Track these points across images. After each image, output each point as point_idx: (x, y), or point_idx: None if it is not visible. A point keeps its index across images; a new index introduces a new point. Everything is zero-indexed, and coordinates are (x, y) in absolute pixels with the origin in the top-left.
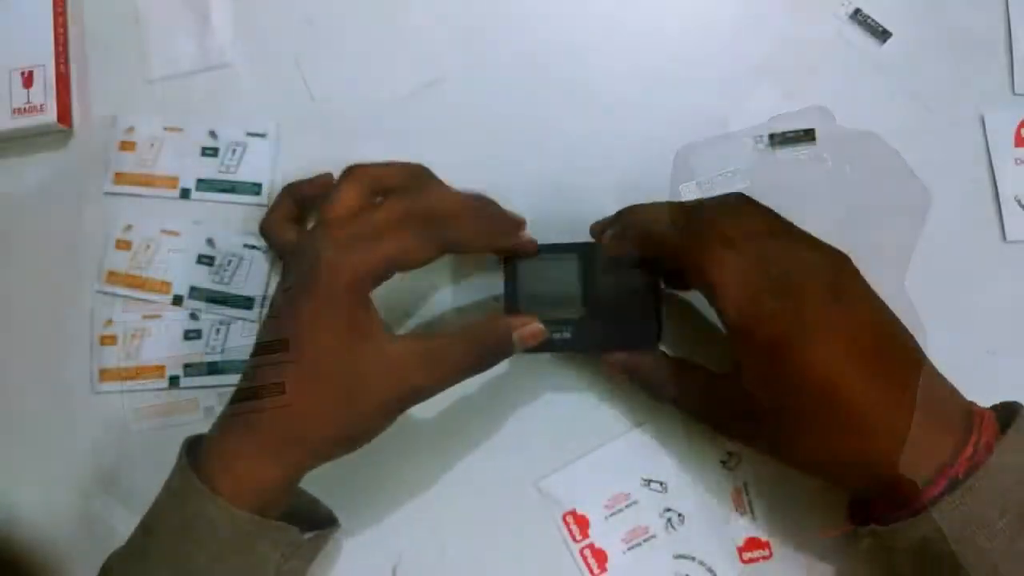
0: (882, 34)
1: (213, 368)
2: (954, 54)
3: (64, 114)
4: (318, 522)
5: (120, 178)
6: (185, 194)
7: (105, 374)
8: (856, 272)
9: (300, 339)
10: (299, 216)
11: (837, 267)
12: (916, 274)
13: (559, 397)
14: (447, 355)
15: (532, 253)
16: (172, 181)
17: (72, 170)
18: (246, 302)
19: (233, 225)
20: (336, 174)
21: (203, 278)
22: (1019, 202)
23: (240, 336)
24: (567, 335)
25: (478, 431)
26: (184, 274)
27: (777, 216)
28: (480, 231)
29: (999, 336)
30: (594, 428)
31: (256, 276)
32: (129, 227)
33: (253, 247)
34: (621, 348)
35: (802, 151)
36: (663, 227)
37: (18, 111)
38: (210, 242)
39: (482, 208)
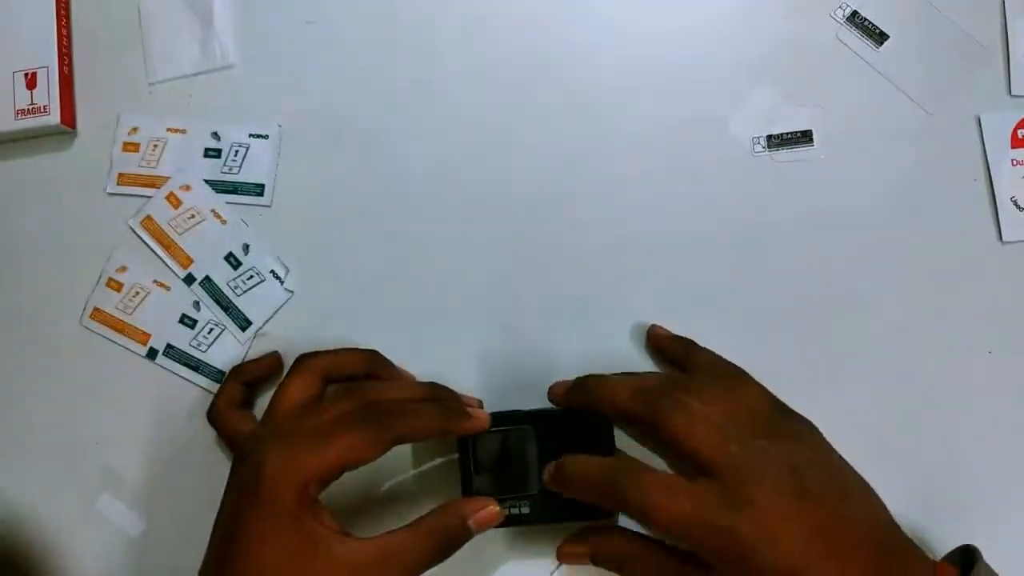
0: (879, 36)
1: (190, 362)
2: (951, 56)
3: (67, 115)
4: None
5: (123, 179)
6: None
7: (96, 314)
8: (821, 446)
9: (247, 555)
10: (248, 398)
11: (802, 452)
12: (914, 274)
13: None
14: (402, 553)
15: (484, 430)
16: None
17: (75, 171)
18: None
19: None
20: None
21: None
22: (1016, 203)
23: (228, 346)
24: (525, 510)
25: None
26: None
27: (744, 395)
28: (431, 421)
29: (997, 336)
30: None
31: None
32: (149, 217)
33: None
34: (580, 519)
35: (800, 152)
36: (626, 406)
37: (21, 112)
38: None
39: (434, 396)
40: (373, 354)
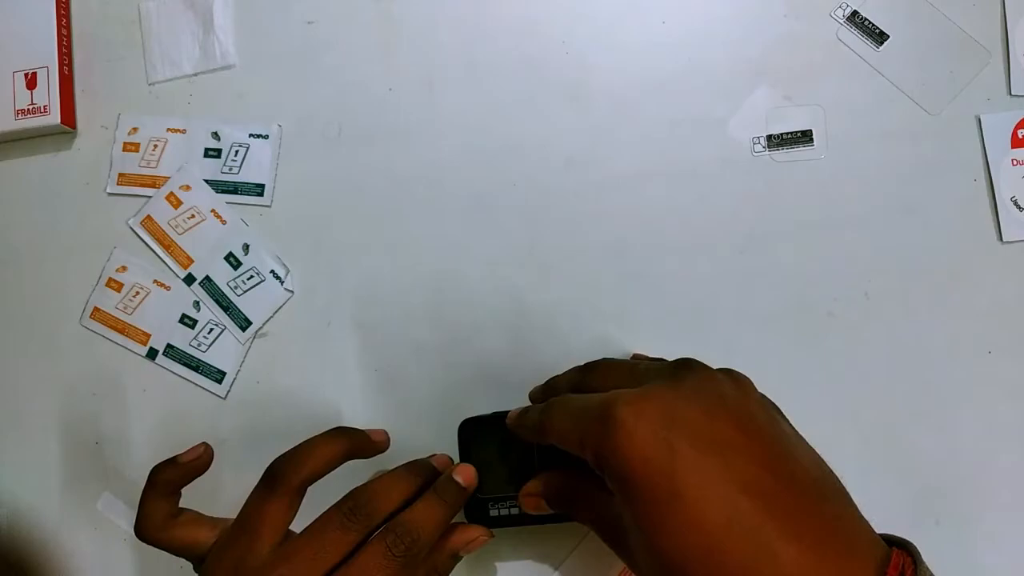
0: (879, 36)
1: (190, 362)
2: (951, 56)
3: (67, 115)
4: None
5: (123, 179)
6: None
7: (96, 313)
8: (758, 403)
9: None
10: (177, 501)
11: (737, 407)
12: (914, 274)
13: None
14: None
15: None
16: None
17: (75, 171)
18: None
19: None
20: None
21: (223, 274)
22: (1015, 203)
23: (228, 346)
24: (515, 511)
25: None
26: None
27: (675, 370)
28: (442, 512)
29: (997, 336)
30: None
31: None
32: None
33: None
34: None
35: (800, 152)
36: (565, 423)
37: (22, 112)
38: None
39: (424, 480)
40: (344, 438)
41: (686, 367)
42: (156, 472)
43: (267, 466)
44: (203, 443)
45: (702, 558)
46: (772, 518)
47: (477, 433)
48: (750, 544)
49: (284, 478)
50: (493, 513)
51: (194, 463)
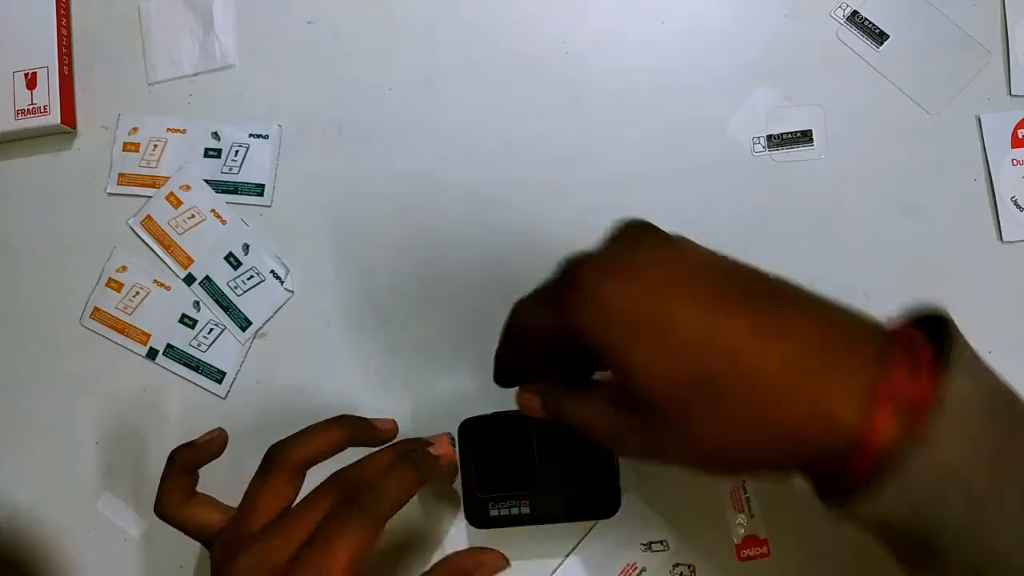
0: (879, 36)
1: (190, 362)
2: (951, 56)
3: (67, 115)
4: None
5: (123, 179)
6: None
7: (96, 313)
8: (656, 233)
9: None
10: (195, 484)
11: (687, 246)
12: (915, 274)
13: None
14: None
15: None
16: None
17: (75, 171)
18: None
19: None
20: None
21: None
22: (1016, 203)
23: (228, 346)
24: (526, 510)
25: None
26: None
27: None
28: (408, 485)
29: (997, 336)
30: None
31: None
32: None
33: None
34: (581, 518)
35: (800, 152)
36: (532, 316)
37: (22, 112)
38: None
39: (404, 452)
40: (345, 425)
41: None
42: (175, 453)
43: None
44: (219, 427)
45: (692, 381)
46: (752, 329)
47: (477, 433)
48: (730, 356)
49: (278, 461)
50: (493, 513)
51: (209, 445)
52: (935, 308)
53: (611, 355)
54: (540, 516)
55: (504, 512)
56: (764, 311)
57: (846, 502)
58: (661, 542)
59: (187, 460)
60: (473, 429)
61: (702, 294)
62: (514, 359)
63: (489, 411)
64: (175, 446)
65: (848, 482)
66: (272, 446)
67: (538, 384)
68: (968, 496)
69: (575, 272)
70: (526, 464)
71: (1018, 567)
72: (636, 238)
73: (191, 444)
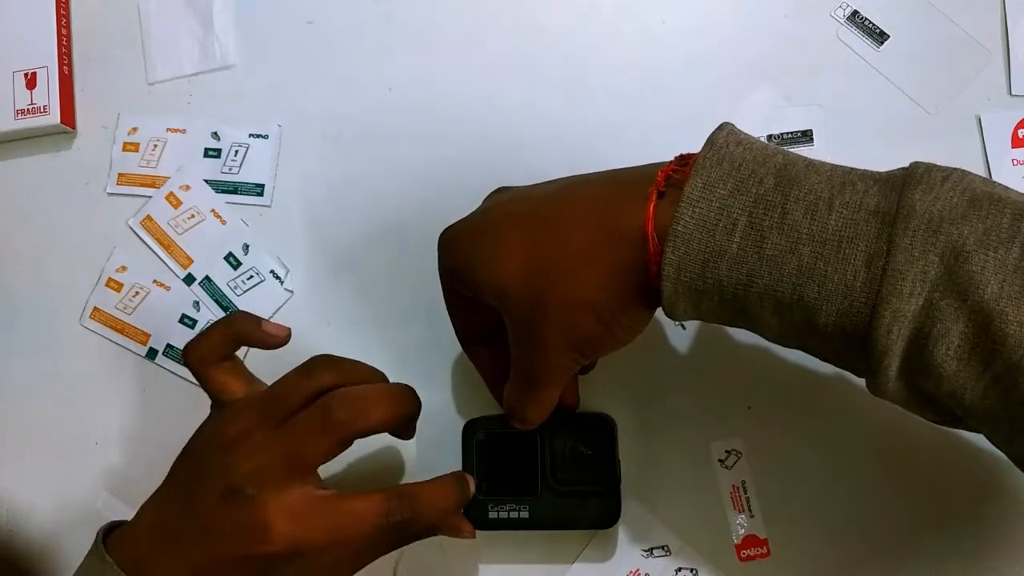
0: (880, 36)
1: None
2: (951, 56)
3: (67, 115)
4: None
5: (123, 179)
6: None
7: (96, 313)
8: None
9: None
10: (235, 350)
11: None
12: None
13: None
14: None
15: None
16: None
17: (75, 171)
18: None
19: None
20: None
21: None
22: None
23: None
24: (525, 515)
25: None
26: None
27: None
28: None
29: None
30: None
31: None
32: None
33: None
34: (581, 527)
35: (801, 152)
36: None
37: (21, 112)
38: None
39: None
40: (235, 321)
41: None
42: (236, 317)
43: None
44: (289, 328)
45: (525, 268)
46: (553, 206)
47: (481, 434)
48: (544, 234)
49: (319, 367)
50: (492, 515)
51: (270, 333)
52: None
53: (468, 280)
54: (539, 522)
55: (503, 515)
56: (563, 189)
57: (657, 289)
58: (662, 547)
59: (240, 330)
60: (477, 430)
61: (514, 204)
62: (481, 366)
63: (493, 412)
64: (174, 449)
65: (653, 272)
66: (319, 357)
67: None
68: (730, 259)
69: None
70: (528, 469)
71: (782, 299)
72: (489, 196)
73: (255, 319)
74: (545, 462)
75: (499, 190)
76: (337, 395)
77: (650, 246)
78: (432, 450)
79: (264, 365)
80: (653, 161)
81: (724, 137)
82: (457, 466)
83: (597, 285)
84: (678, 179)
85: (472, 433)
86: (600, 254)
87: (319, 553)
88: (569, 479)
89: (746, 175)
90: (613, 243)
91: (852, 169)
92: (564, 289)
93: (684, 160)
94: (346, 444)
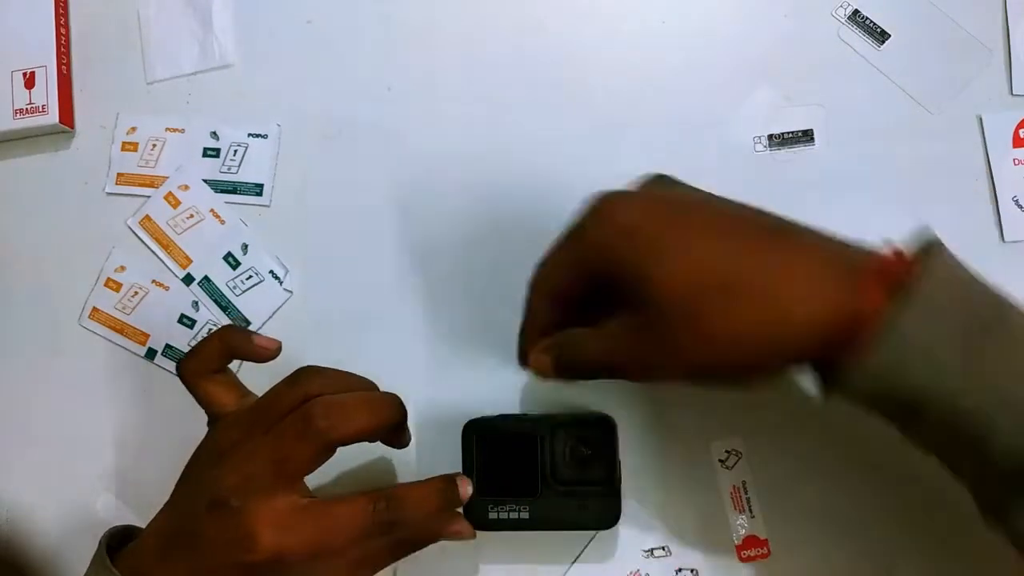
0: (881, 35)
1: None
2: (952, 55)
3: (66, 115)
4: None
5: (122, 178)
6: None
7: (95, 313)
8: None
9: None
10: (227, 363)
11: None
12: None
13: None
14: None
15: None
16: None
17: (74, 171)
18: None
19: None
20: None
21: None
22: (1017, 203)
23: None
24: (525, 515)
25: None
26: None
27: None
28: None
29: None
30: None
31: None
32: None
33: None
34: (580, 527)
35: (802, 151)
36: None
37: (20, 112)
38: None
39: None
40: (226, 335)
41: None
42: (227, 330)
43: (298, 369)
44: (279, 342)
45: (702, 283)
46: (760, 240)
47: (481, 435)
48: (740, 259)
49: (304, 379)
50: (492, 516)
51: (260, 346)
52: (926, 233)
53: (629, 266)
54: (539, 523)
55: (503, 516)
56: (767, 228)
57: (843, 376)
58: (663, 548)
59: (231, 344)
60: (477, 430)
61: (714, 215)
62: (538, 319)
63: (494, 413)
64: (173, 449)
65: (845, 356)
66: (307, 368)
67: (550, 338)
68: (935, 365)
69: (592, 202)
70: (528, 469)
71: (982, 419)
72: (652, 180)
73: (246, 333)
74: (545, 462)
75: (662, 178)
76: (318, 402)
77: (852, 334)
78: (432, 453)
79: (260, 373)
80: (655, 164)
81: (941, 248)
82: (458, 468)
83: (781, 345)
84: (897, 274)
85: (471, 434)
86: (804, 318)
87: (308, 561)
88: (569, 479)
89: (968, 294)
90: (820, 313)
91: None
92: (744, 326)
93: (899, 255)
94: (329, 451)
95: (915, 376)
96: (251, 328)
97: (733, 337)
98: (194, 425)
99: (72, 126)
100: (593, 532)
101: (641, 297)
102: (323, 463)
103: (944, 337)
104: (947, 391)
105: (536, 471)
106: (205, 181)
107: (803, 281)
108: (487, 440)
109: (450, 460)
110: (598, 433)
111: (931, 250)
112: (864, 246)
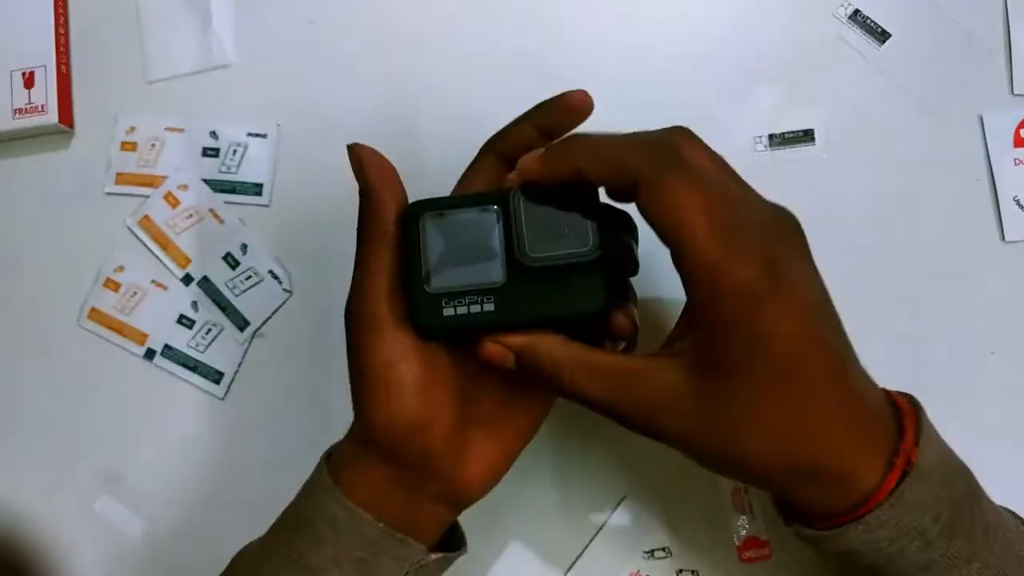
0: (881, 35)
1: (187, 362)
2: (953, 55)
3: (65, 115)
4: (446, 543)
5: (121, 178)
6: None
7: (93, 314)
8: (804, 236)
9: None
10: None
11: (795, 225)
12: (916, 274)
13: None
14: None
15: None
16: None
17: (73, 171)
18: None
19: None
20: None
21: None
22: (1018, 202)
23: (226, 346)
24: (489, 307)
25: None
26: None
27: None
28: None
29: (999, 337)
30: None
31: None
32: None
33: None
34: (555, 316)
35: (802, 151)
36: (617, 148)
37: (19, 112)
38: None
39: None
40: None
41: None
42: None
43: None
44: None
45: (802, 345)
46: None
47: (427, 215)
48: (834, 343)
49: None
50: (448, 312)
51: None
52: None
53: (688, 227)
54: (508, 314)
55: (462, 310)
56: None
57: (824, 533)
58: (663, 549)
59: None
60: (423, 209)
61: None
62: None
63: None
64: (173, 449)
65: (835, 518)
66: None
67: (522, 336)
68: (924, 540)
69: (687, 139)
70: (489, 251)
71: None
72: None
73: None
74: (511, 241)
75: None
76: None
77: (856, 509)
78: None
79: (266, 360)
80: None
81: (928, 422)
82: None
83: (793, 451)
84: (907, 442)
85: (415, 216)
86: (823, 439)
87: None
88: (542, 257)
89: (951, 468)
90: (837, 464)
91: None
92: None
93: (908, 416)
94: None
95: (898, 546)
96: (251, 328)
97: (768, 446)
98: (194, 425)
99: (71, 126)
100: (593, 532)
101: (697, 300)
102: None
103: (932, 514)
104: (922, 562)
105: (498, 253)
106: (204, 181)
107: (856, 434)
108: (436, 222)
109: None
110: (573, 194)
111: (922, 417)
112: (882, 396)
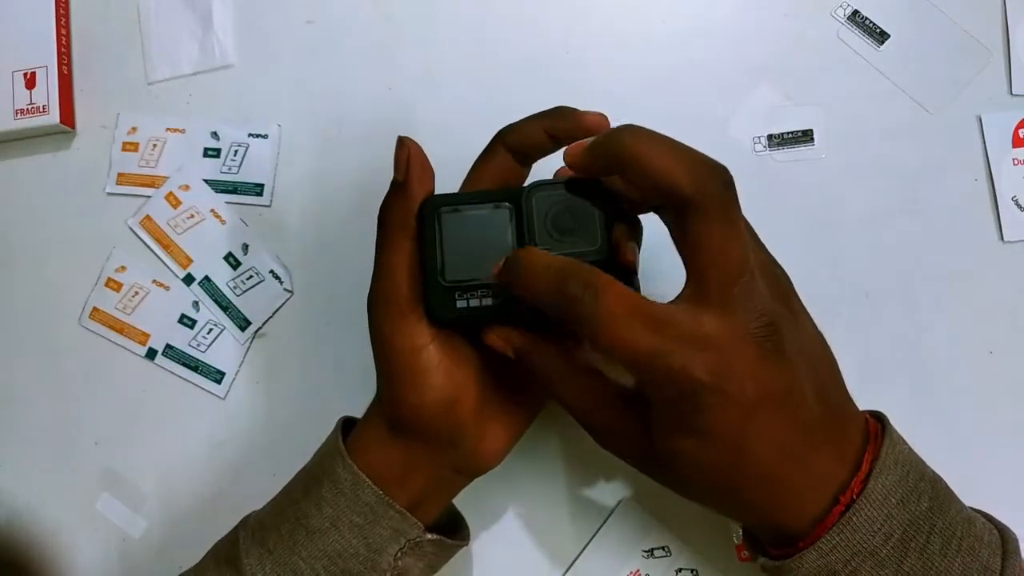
0: (880, 35)
1: (189, 362)
2: (952, 55)
3: (66, 115)
4: (448, 529)
5: (122, 179)
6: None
7: (95, 313)
8: (794, 288)
9: None
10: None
11: (788, 281)
12: (915, 274)
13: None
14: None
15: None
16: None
17: (74, 171)
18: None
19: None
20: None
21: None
22: (1017, 202)
23: (227, 346)
24: (488, 302)
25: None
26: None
27: None
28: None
29: (998, 336)
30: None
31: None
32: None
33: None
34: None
35: (801, 152)
36: (671, 162)
37: (21, 112)
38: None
39: None
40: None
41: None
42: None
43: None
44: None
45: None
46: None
47: (442, 210)
48: (797, 417)
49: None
50: (461, 304)
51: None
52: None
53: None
54: (505, 308)
55: (475, 303)
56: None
57: (784, 562)
58: (663, 548)
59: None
60: (438, 205)
61: (775, 344)
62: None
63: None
64: (173, 449)
65: (785, 548)
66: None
67: (517, 333)
68: (875, 560)
69: (733, 181)
70: (500, 247)
71: None
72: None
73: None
74: (523, 237)
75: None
76: None
77: (802, 540)
78: None
79: (267, 360)
80: None
81: (893, 434)
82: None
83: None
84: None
85: (432, 211)
86: (763, 487)
87: None
88: (551, 252)
89: (911, 488)
90: (780, 502)
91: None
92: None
93: (872, 436)
94: None
95: (851, 568)
96: (252, 328)
97: (719, 495)
98: (194, 425)
99: (73, 126)
100: (593, 531)
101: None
102: None
103: (883, 533)
104: None
105: (511, 247)
106: (206, 181)
107: (812, 473)
108: (451, 216)
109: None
110: (586, 195)
111: (886, 439)
112: (853, 421)
